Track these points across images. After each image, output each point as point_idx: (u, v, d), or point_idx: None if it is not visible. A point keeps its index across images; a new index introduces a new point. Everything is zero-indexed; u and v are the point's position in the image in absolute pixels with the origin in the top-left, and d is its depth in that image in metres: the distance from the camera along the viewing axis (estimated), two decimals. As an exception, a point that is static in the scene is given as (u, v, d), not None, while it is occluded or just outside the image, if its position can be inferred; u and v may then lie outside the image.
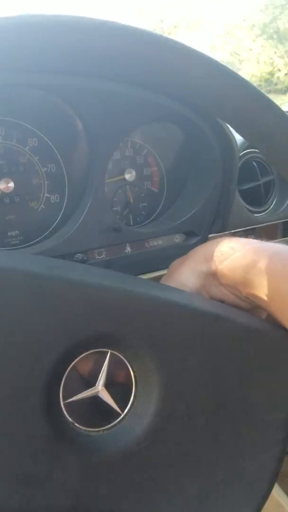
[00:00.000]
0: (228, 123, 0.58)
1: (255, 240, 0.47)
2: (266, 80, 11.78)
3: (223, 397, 0.44)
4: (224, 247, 0.47)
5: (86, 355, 0.41)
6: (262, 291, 0.43)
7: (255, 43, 11.61)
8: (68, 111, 0.55)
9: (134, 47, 0.38)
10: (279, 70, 11.46)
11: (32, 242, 0.61)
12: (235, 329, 0.44)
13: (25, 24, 0.33)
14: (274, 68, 11.56)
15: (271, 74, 11.64)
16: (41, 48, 0.35)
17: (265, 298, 0.43)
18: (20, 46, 0.34)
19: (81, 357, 0.41)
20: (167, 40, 0.39)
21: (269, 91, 11.85)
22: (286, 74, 11.48)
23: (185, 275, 0.50)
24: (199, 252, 0.51)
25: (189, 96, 0.44)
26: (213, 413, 0.45)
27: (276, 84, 11.51)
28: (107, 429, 0.42)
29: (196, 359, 0.43)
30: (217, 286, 0.49)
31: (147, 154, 0.70)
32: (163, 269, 0.66)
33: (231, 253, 0.46)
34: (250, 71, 11.90)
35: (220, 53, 11.19)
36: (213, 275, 0.48)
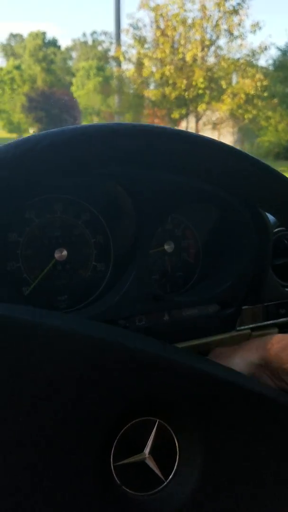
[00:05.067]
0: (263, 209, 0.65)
1: None
2: (285, 147, 12.19)
3: (264, 472, 0.47)
4: (276, 341, 0.51)
5: (136, 421, 0.44)
6: None
7: (275, 112, 12.11)
8: (121, 193, 0.62)
9: (195, 150, 0.45)
10: (297, 137, 11.90)
11: (79, 306, 0.65)
12: (280, 410, 0.47)
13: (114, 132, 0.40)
14: (292, 135, 12.02)
15: (290, 141, 12.08)
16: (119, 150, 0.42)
17: None
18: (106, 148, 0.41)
19: (132, 423, 0.44)
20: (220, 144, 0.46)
21: (289, 157, 12.26)
22: (304, 141, 11.90)
23: (235, 363, 0.54)
24: (252, 343, 0.55)
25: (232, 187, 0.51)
26: (253, 488, 0.47)
27: (295, 151, 11.92)
28: (152, 494, 0.44)
29: (241, 437, 0.46)
30: (263, 377, 0.53)
31: (185, 228, 0.76)
32: (197, 338, 0.70)
33: (281, 346, 0.50)
34: (269, 138, 12.36)
35: (240, 121, 11.67)
36: (262, 367, 0.52)
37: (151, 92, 11.58)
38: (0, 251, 0.57)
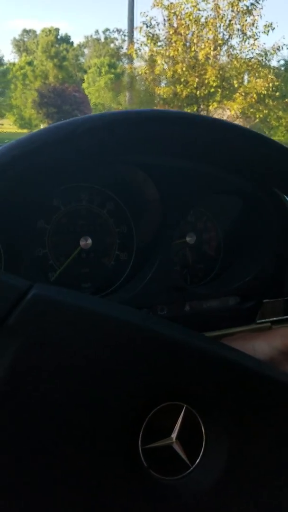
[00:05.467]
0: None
1: None
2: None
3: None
4: None
5: (164, 405, 0.44)
6: None
7: (286, 112, 12.06)
8: (148, 182, 0.62)
9: (227, 139, 0.45)
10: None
11: (102, 294, 0.66)
12: None
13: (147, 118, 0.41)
14: (303, 136, 11.99)
15: (300, 142, 12.05)
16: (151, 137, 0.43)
17: None
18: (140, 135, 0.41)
19: (160, 407, 0.44)
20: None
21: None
22: (315, 142, 11.87)
23: (258, 344, 0.54)
24: (277, 330, 0.56)
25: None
26: (279, 477, 0.47)
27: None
28: (177, 479, 0.45)
29: (267, 426, 0.46)
30: (283, 364, 0.53)
31: (207, 220, 0.76)
32: (217, 329, 0.70)
33: None
34: (280, 138, 12.33)
35: (252, 121, 11.63)
36: (284, 354, 0.53)
37: (162, 90, 11.57)
38: (29, 237, 0.58)
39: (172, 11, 10.99)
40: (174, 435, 0.44)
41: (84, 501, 0.41)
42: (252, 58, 11.41)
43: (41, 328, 0.39)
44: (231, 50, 11.44)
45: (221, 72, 10.82)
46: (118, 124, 0.41)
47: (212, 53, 10.86)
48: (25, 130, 26.62)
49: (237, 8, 10.83)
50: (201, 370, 0.44)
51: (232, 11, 10.90)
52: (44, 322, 0.39)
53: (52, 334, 0.39)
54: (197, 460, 0.45)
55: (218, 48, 11.07)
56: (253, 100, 10.66)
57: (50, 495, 0.40)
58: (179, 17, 11.02)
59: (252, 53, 11.47)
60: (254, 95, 10.59)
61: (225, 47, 11.37)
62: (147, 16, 11.50)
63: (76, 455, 0.40)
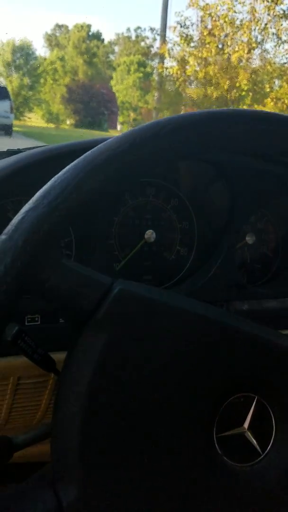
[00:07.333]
0: None
1: None
2: None
3: None
4: None
5: (237, 396, 0.45)
6: None
7: None
8: (220, 182, 0.62)
9: None
10: None
11: (162, 287, 0.67)
12: None
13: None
14: None
15: None
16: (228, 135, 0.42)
17: None
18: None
19: (233, 398, 0.45)
20: None
21: None
22: None
23: None
24: None
25: None
26: None
27: None
28: (248, 466, 0.45)
29: None
30: None
31: (267, 221, 0.76)
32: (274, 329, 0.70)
33: None
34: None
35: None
36: None
37: (192, 91, 11.55)
38: (105, 230, 0.59)
39: (208, 12, 10.94)
40: (246, 425, 0.45)
41: (163, 483, 0.42)
42: (286, 63, 11.31)
43: (126, 322, 0.39)
44: (264, 54, 11.36)
45: (253, 76, 10.75)
46: (202, 123, 0.40)
47: (245, 56, 10.79)
48: (51, 125, 26.81)
49: (273, 12, 10.72)
50: (272, 363, 0.45)
51: (268, 14, 10.80)
52: (129, 316, 0.39)
53: (136, 327, 0.40)
54: (267, 449, 0.46)
55: (252, 51, 10.99)
56: (284, 106, 10.55)
57: (137, 475, 0.41)
58: (214, 19, 10.97)
59: (286, 58, 11.38)
60: (286, 101, 10.48)
61: (258, 51, 11.29)
62: (181, 16, 11.49)
63: (158, 442, 0.41)
